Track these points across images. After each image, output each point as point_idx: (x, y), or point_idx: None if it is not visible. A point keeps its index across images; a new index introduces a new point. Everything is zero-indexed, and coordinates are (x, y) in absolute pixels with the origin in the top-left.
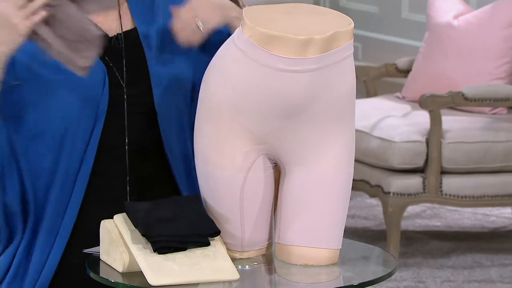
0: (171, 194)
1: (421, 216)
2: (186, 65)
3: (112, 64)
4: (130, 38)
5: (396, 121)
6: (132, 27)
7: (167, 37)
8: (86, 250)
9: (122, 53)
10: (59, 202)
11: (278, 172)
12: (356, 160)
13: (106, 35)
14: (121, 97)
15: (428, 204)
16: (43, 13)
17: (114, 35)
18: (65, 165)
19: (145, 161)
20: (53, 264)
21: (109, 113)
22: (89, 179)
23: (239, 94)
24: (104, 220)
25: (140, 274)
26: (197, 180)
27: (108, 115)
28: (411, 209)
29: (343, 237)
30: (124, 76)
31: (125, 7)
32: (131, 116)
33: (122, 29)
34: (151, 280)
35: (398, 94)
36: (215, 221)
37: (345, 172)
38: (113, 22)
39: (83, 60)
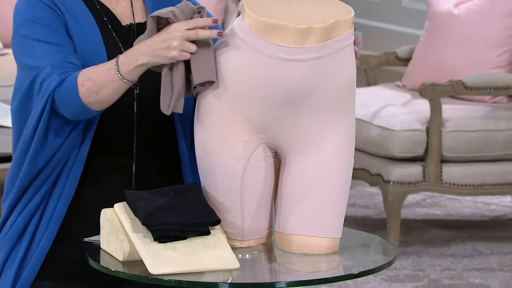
0: (174, 156)
1: (421, 204)
2: None
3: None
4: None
5: (396, 110)
6: (146, 19)
7: None
8: (86, 239)
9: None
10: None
11: (278, 161)
12: (356, 149)
13: (119, 22)
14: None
15: (428, 193)
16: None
17: (127, 24)
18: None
19: (153, 119)
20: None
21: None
22: (95, 133)
23: (240, 83)
24: (105, 209)
25: (140, 263)
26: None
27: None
28: (411, 197)
29: (343, 225)
30: None
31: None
32: (140, 109)
33: (134, 18)
34: (152, 269)
35: (398, 82)
36: (215, 210)
37: (345, 161)
38: (125, 9)
39: None
